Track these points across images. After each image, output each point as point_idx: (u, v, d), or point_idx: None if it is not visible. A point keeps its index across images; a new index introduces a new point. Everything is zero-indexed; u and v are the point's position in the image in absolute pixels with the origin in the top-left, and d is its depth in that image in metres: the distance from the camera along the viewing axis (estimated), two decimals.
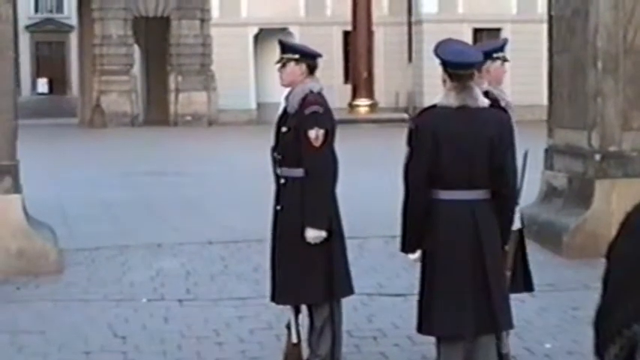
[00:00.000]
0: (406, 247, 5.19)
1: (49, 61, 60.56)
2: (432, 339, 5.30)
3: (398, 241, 5.27)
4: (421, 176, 5.01)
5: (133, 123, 39.58)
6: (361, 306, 7.66)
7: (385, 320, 7.21)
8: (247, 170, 18.82)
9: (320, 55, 6.13)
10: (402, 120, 30.76)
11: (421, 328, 5.17)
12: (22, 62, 55.96)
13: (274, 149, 5.98)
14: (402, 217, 5.12)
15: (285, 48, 6.00)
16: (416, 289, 5.26)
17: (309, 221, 5.74)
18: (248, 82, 41.68)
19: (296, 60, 5.88)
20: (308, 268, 5.80)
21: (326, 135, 5.79)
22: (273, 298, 6.06)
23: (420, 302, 5.14)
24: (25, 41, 58.78)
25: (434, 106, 5.11)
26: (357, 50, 38.02)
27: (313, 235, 5.75)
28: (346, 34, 40.20)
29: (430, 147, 4.98)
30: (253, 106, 41.59)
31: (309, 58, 5.93)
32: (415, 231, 5.10)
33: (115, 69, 39.95)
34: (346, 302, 7.75)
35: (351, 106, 37.52)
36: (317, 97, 5.86)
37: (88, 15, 41.30)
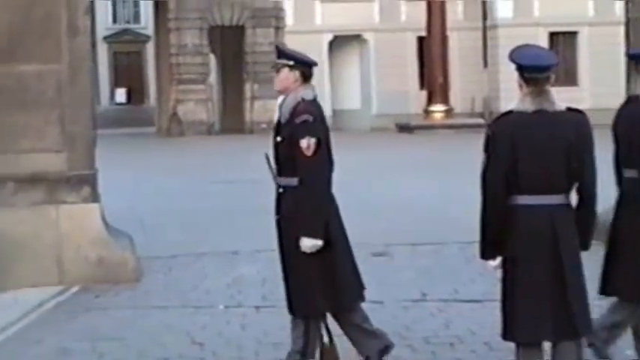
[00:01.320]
0: (486, 254, 5.15)
1: (127, 71, 61.43)
2: (510, 345, 5.25)
3: (474, 246, 5.23)
4: (499, 182, 4.97)
5: (209, 131, 39.89)
6: (437, 312, 7.62)
7: (462, 326, 7.15)
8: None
9: (315, 64, 6.12)
10: (478, 125, 30.53)
11: (504, 334, 5.14)
12: (100, 72, 56.90)
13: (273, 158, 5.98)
14: (481, 224, 5.07)
15: (280, 54, 6.01)
16: (492, 295, 5.22)
17: (303, 230, 5.73)
18: (322, 89, 41.66)
19: (290, 66, 5.87)
20: (309, 279, 5.79)
21: (318, 144, 5.75)
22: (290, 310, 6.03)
23: (503, 308, 5.11)
24: (103, 52, 59.75)
25: (510, 112, 5.06)
26: (431, 56, 37.84)
27: (309, 244, 5.72)
28: (420, 39, 40.04)
29: (507, 153, 4.94)
30: (328, 112, 41.55)
31: (303, 66, 5.91)
32: (494, 237, 5.05)
33: (192, 78, 40.32)
34: (422, 308, 7.72)
35: (427, 112, 37.37)
36: (308, 106, 5.82)
37: (164, 25, 41.76)
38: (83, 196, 8.89)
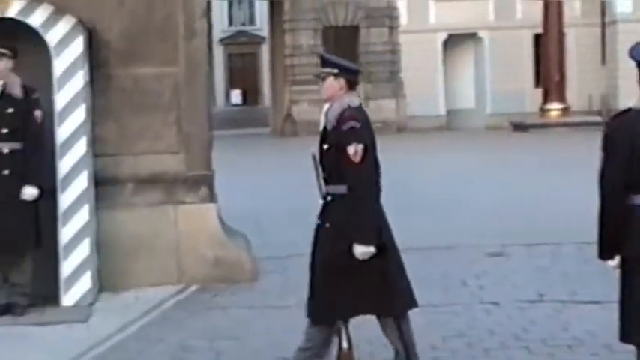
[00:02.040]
0: (603, 254, 5.05)
1: (242, 73, 62.12)
2: (632, 348, 5.14)
3: (592, 247, 5.13)
4: (617, 182, 4.86)
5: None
6: (554, 313, 7.51)
7: (580, 328, 7.03)
8: (436, 177, 18.77)
9: (361, 71, 6.07)
10: (596, 123, 29.99)
11: (622, 337, 5.03)
12: (216, 74, 57.69)
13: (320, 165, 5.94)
14: (599, 224, 4.98)
15: (325, 62, 5.96)
16: (612, 297, 5.11)
17: (356, 237, 5.69)
18: (437, 89, 41.56)
19: (335, 74, 5.84)
20: (361, 285, 5.74)
21: (365, 150, 5.71)
22: (316, 316, 5.96)
23: (620, 310, 5.01)
24: (219, 54, 60.57)
25: (629, 109, 4.94)
26: (548, 53, 37.30)
27: (362, 250, 5.68)
28: (537, 37, 39.50)
29: (625, 152, 4.83)
30: (443, 112, 41.42)
31: (348, 73, 5.87)
32: (612, 237, 4.95)
33: (306, 79, 40.53)
34: (538, 309, 7.61)
35: (543, 110, 36.84)
36: (354, 112, 5.78)
37: (279, 26, 42.13)
38: (201, 196, 9.02)
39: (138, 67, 8.89)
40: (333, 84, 5.83)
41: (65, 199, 8.13)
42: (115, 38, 8.83)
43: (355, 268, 5.72)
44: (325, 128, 5.89)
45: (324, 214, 5.94)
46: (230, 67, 62.78)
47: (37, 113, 7.88)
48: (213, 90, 55.93)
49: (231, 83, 62.28)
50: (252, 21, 62.82)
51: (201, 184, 9.04)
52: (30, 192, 7.79)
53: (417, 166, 21.80)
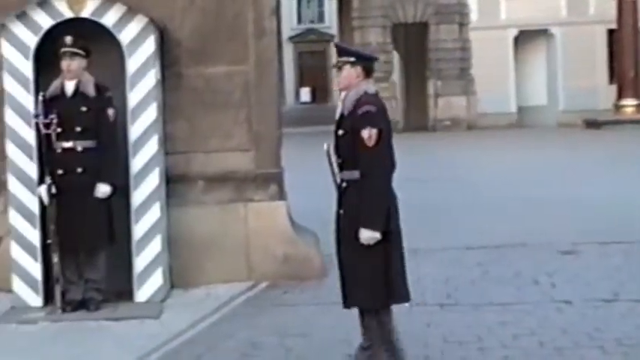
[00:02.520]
0: None
1: (312, 71, 62.24)
2: None
3: None
4: None
5: (401, 129, 39.98)
6: (629, 313, 7.41)
7: None
8: (507, 175, 18.60)
9: (376, 58, 6.09)
10: None
11: None
12: (285, 72, 57.87)
13: (335, 152, 5.96)
14: None
15: (341, 51, 5.98)
16: None
17: (363, 222, 5.70)
18: (508, 86, 41.17)
19: (352, 63, 5.87)
20: (366, 273, 5.78)
21: (379, 134, 5.70)
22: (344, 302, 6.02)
23: None
24: (288, 52, 60.76)
25: None
26: (622, 49, 36.73)
27: (367, 235, 5.70)
28: (610, 32, 38.94)
29: None
30: (513, 109, 41.03)
31: (364, 61, 5.90)
32: None
33: (375, 76, 40.30)
34: (612, 308, 7.51)
35: (617, 107, 36.31)
36: (370, 98, 5.81)
37: (348, 23, 42.14)
38: (270, 194, 9.06)
39: (208, 66, 8.96)
40: (350, 72, 5.88)
41: (137, 197, 8.22)
42: (186, 37, 8.91)
43: (360, 254, 5.77)
44: (342, 115, 5.92)
45: (340, 201, 5.98)
46: (299, 65, 62.93)
47: (110, 111, 7.98)
48: (283, 88, 56.13)
49: (300, 81, 62.44)
50: (321, 18, 62.90)
51: (271, 181, 9.08)
52: (103, 189, 7.90)
53: (488, 164, 21.63)
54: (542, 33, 41.02)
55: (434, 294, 8.30)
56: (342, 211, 5.93)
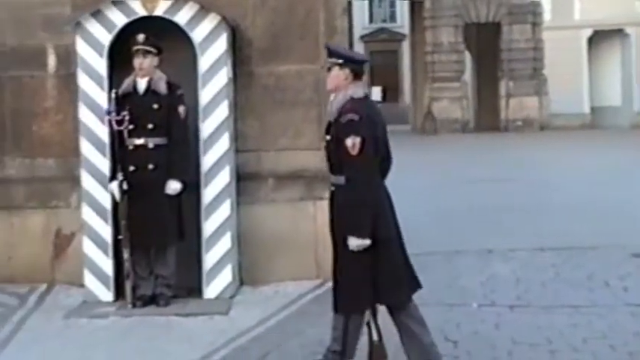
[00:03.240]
0: None
1: (383, 70, 62.12)
2: None
3: None
4: None
5: (463, 129, 39.80)
6: None
7: None
8: (580, 176, 18.39)
9: (365, 61, 6.02)
10: None
11: None
12: None
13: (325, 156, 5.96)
14: None
15: (330, 53, 5.95)
16: None
17: (350, 229, 5.69)
18: (581, 86, 40.73)
19: (340, 65, 5.83)
20: (354, 277, 5.77)
21: (362, 142, 5.67)
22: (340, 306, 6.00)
23: None
24: (359, 51, 60.69)
25: None
26: None
27: (355, 243, 5.69)
28: None
29: None
30: (587, 110, 40.59)
31: (353, 64, 5.86)
32: None
33: (447, 76, 40.35)
34: None
35: None
36: (355, 104, 5.75)
37: (420, 23, 42.00)
38: None
39: (279, 64, 8.98)
40: (339, 74, 5.86)
41: (208, 194, 8.28)
42: (258, 35, 8.95)
43: (349, 258, 5.75)
44: (330, 119, 5.93)
45: (330, 203, 5.98)
46: (371, 64, 62.78)
47: (181, 109, 8.05)
48: None
49: (371, 80, 62.35)
50: (393, 18, 62.75)
51: None
52: (174, 186, 7.97)
53: (561, 165, 21.40)
54: (617, 33, 40.50)
55: (504, 295, 8.23)
56: (331, 216, 5.96)
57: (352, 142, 5.70)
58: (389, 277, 5.84)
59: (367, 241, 5.71)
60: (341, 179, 5.82)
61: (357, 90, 5.87)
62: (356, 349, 6.03)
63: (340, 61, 5.88)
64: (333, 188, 5.94)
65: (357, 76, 5.89)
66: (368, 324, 5.96)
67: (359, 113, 5.75)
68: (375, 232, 5.74)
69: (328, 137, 5.92)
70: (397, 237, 5.95)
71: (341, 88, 5.87)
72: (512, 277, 8.93)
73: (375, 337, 5.95)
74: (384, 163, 6.01)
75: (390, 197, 6.02)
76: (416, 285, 6.07)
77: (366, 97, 5.92)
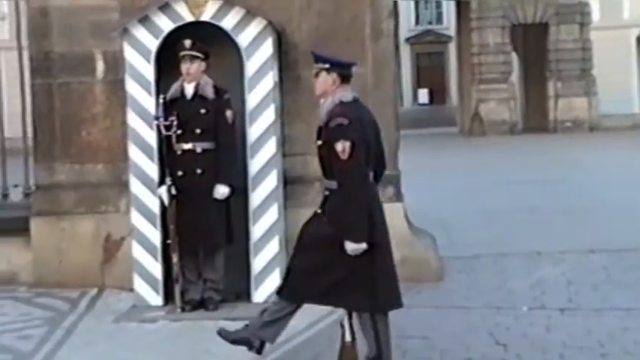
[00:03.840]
0: None
1: (429, 72, 61.98)
2: None
3: None
4: None
5: (511, 131, 39.56)
6: None
7: None
8: (631, 177, 18.19)
9: (354, 64, 5.99)
10: None
11: None
12: (403, 74, 57.75)
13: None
14: None
15: (316, 58, 5.95)
16: None
17: (345, 234, 5.67)
18: (631, 87, 40.33)
19: (327, 70, 5.83)
20: (346, 277, 5.74)
21: (352, 146, 5.64)
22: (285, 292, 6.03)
23: None
24: (405, 53, 60.61)
25: None
26: None
27: (352, 247, 5.67)
28: None
29: None
30: (637, 110, 40.17)
31: (340, 68, 5.85)
32: None
33: (494, 77, 40.13)
34: None
35: None
36: (344, 108, 5.74)
37: (466, 24, 41.82)
38: (388, 195, 9.02)
39: None
40: (326, 79, 5.87)
41: (255, 198, 8.29)
42: (304, 39, 8.95)
43: (338, 260, 5.72)
44: (320, 125, 5.95)
45: (322, 206, 5.98)
46: (417, 66, 62.71)
47: (228, 113, 8.08)
48: (401, 89, 56.00)
49: (418, 83, 62.21)
50: (439, 20, 62.57)
51: (388, 183, 9.03)
52: (222, 190, 8.00)
53: (611, 166, 21.18)
54: None
55: (554, 298, 8.16)
56: (323, 215, 5.94)
57: (342, 147, 5.70)
58: (383, 281, 5.82)
59: (363, 245, 5.70)
60: (333, 184, 5.82)
61: (346, 94, 5.87)
62: (390, 351, 5.98)
63: (327, 65, 5.90)
64: (327, 193, 5.94)
65: (345, 79, 5.90)
66: (342, 324, 5.97)
67: (348, 117, 5.75)
68: (371, 236, 5.74)
69: (319, 142, 5.93)
70: (388, 244, 5.95)
71: (329, 92, 5.89)
72: (563, 280, 8.85)
73: (347, 337, 5.96)
74: (377, 164, 5.99)
75: (381, 203, 6.03)
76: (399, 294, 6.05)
77: (356, 100, 5.92)
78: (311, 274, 5.91)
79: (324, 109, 5.88)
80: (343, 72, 5.90)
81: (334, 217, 5.80)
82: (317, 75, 5.94)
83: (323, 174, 5.98)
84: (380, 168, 6.06)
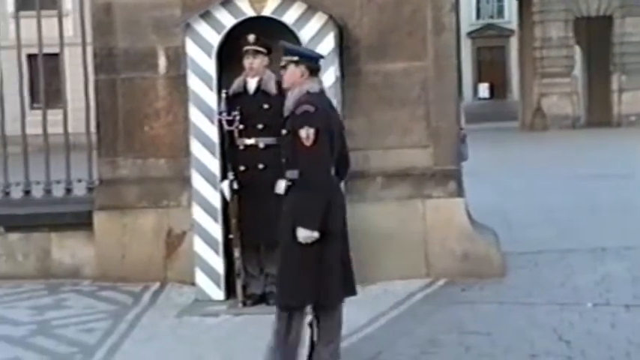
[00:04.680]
0: None
1: (490, 66, 61.51)
2: None
3: None
4: None
5: (574, 125, 39.16)
6: None
7: None
8: None
9: (321, 57, 5.99)
10: None
11: None
12: (464, 68, 57.37)
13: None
14: None
15: (285, 51, 5.97)
16: None
17: (299, 220, 5.63)
18: None
19: (295, 62, 5.85)
20: (298, 270, 5.71)
21: (316, 134, 5.63)
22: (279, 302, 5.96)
23: None
24: (466, 47, 60.19)
25: None
26: None
27: (303, 234, 5.63)
28: None
29: None
30: None
31: (308, 60, 5.88)
32: None
33: (556, 71, 39.73)
34: None
35: None
36: (310, 98, 5.76)
37: (528, 18, 41.45)
38: (449, 190, 8.98)
39: (387, 63, 8.95)
40: (295, 71, 5.89)
41: None
42: (365, 34, 8.93)
43: (295, 251, 5.72)
44: (286, 115, 5.95)
45: (285, 199, 5.96)
46: (478, 60, 62.27)
47: None
48: (461, 84, 55.63)
49: (479, 77, 61.80)
50: (500, 13, 62.07)
51: (450, 178, 9.00)
52: (283, 186, 7.99)
53: None
54: None
55: (620, 294, 8.04)
56: (285, 209, 5.92)
57: (306, 133, 5.71)
58: (329, 274, 5.80)
59: (315, 234, 5.68)
60: (295, 173, 5.83)
61: (314, 85, 5.92)
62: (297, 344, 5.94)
63: (295, 58, 5.95)
64: (289, 184, 5.93)
65: (312, 72, 5.94)
66: (310, 325, 5.94)
67: (314, 105, 5.80)
68: (325, 225, 5.71)
69: (284, 132, 5.96)
70: (343, 235, 5.93)
71: (297, 85, 5.93)
72: (628, 276, 8.73)
73: (315, 338, 5.94)
74: (340, 162, 5.99)
75: (343, 197, 6.02)
76: (351, 289, 6.03)
77: (322, 92, 5.96)
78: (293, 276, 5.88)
79: (290, 100, 5.94)
80: (311, 65, 5.95)
81: (291, 205, 5.80)
82: (285, 67, 5.99)
83: (285, 164, 5.97)
84: (343, 167, 6.06)
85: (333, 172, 5.92)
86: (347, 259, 5.98)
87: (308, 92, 5.89)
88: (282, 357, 5.88)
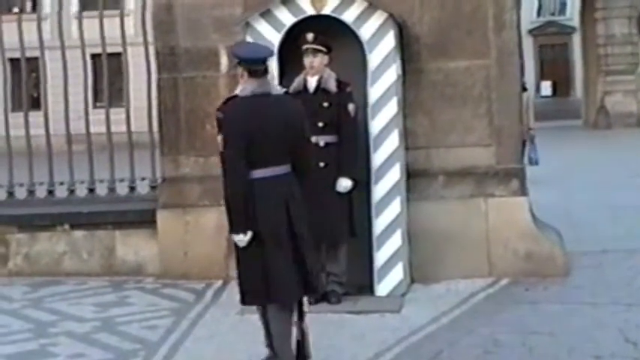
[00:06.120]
0: None
1: (552, 64, 60.90)
2: None
3: None
4: None
5: (638, 123, 38.62)
6: None
7: None
8: None
9: (261, 59, 5.91)
10: None
11: None
12: (526, 66, 56.89)
13: None
14: None
15: (233, 54, 6.18)
16: None
17: (230, 228, 5.86)
18: None
19: (238, 63, 6.01)
20: (245, 272, 5.90)
21: (225, 140, 5.81)
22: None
23: None
24: (528, 45, 59.67)
25: None
26: None
27: (235, 239, 5.79)
28: None
29: None
30: None
31: (245, 62, 5.93)
32: None
33: (620, 69, 39.22)
34: None
35: None
36: (229, 103, 6.10)
37: (590, 15, 40.97)
38: (511, 189, 8.90)
39: (448, 61, 8.90)
40: (239, 73, 6.03)
41: (378, 191, 8.27)
42: (425, 32, 8.89)
43: (241, 254, 5.88)
44: None
45: None
46: (540, 58, 61.71)
47: (351, 107, 8.06)
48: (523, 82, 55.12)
49: (541, 75, 61.23)
50: (562, 11, 61.43)
51: (513, 177, 8.92)
52: (344, 184, 8.00)
53: None
54: None
55: None
56: None
57: (219, 139, 5.95)
58: (276, 273, 5.82)
59: (243, 237, 5.76)
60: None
61: (246, 87, 5.93)
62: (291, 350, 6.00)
63: (237, 60, 6.09)
64: None
65: (251, 73, 5.92)
66: (294, 321, 5.99)
67: (225, 112, 6.02)
68: (255, 227, 5.76)
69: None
70: (286, 233, 5.88)
71: (240, 85, 6.06)
72: None
73: (298, 336, 6.00)
74: (296, 161, 5.95)
75: (290, 198, 5.92)
76: (308, 288, 6.04)
77: (254, 95, 5.88)
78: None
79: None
80: (249, 67, 5.95)
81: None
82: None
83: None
84: (298, 162, 6.00)
85: (285, 170, 5.90)
86: (300, 258, 5.96)
87: (236, 96, 6.10)
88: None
